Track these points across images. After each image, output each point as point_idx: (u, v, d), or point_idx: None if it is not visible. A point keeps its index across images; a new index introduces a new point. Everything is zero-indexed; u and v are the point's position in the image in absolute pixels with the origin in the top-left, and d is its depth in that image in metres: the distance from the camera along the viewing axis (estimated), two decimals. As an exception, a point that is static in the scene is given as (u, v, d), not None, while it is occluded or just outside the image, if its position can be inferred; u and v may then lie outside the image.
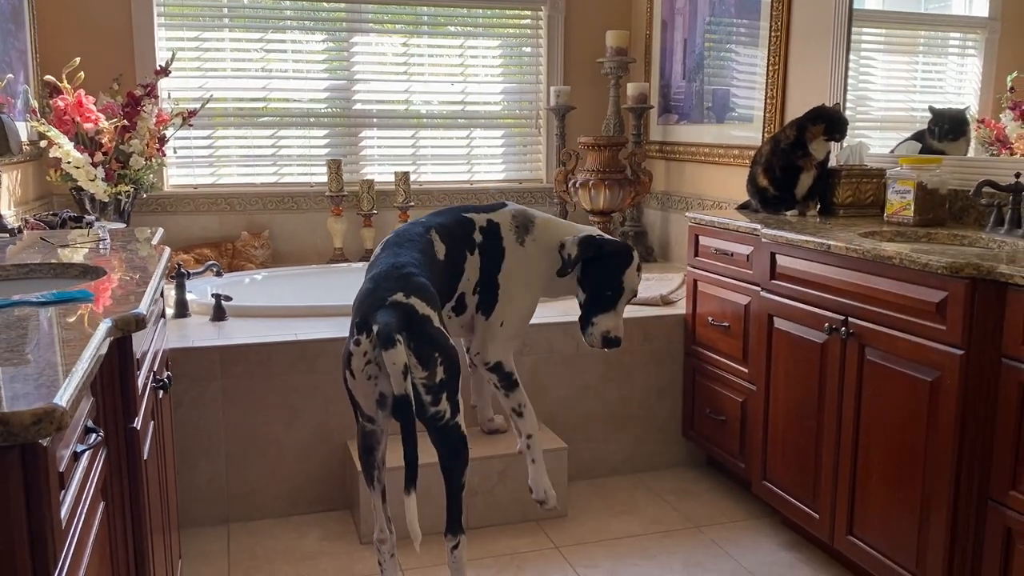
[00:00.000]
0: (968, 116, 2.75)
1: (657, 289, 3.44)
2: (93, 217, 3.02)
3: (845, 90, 3.07)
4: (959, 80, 2.95)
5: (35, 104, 3.41)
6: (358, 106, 4.25)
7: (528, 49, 4.48)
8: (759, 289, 2.69)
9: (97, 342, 1.19)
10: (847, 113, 3.00)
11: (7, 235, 2.39)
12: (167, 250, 2.19)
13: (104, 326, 1.28)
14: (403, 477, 1.98)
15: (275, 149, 4.17)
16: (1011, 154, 2.59)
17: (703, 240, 3.03)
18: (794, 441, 2.55)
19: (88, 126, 3.43)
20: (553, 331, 3.06)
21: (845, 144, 2.96)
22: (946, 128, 2.79)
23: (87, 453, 1.20)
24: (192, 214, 4.02)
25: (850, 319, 2.28)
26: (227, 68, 4.06)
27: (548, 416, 3.11)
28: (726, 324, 2.90)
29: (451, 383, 2.09)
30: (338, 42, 4.20)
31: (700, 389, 3.09)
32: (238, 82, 4.07)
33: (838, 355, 2.33)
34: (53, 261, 1.96)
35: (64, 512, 1.03)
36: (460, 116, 4.41)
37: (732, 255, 2.84)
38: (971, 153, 2.73)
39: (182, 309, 3.16)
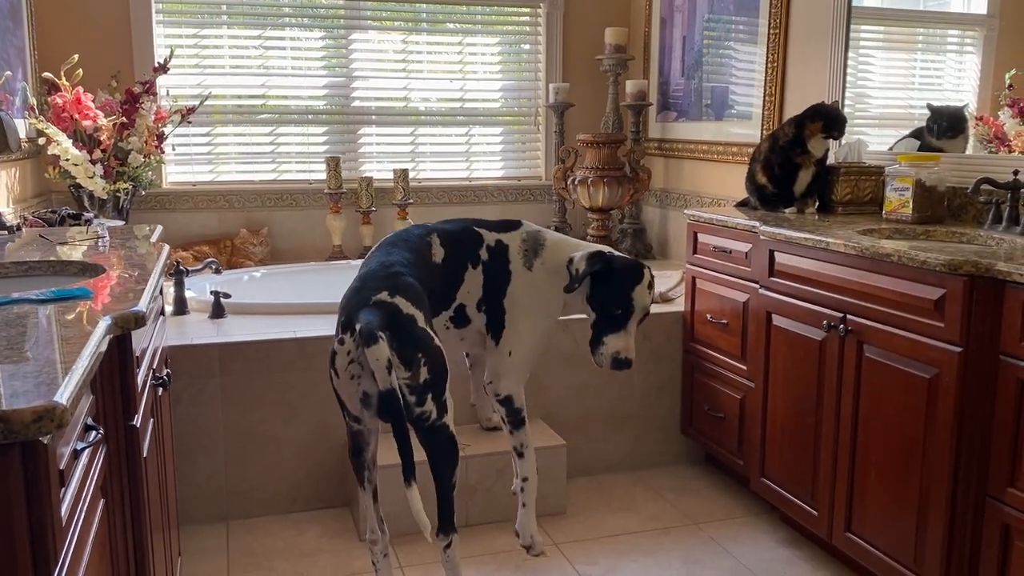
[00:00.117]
0: (966, 113, 2.75)
1: (656, 287, 3.44)
2: (92, 214, 3.01)
3: (844, 87, 3.07)
4: (958, 77, 2.95)
5: (33, 101, 3.40)
6: (357, 103, 4.24)
7: (527, 46, 4.48)
8: (758, 286, 2.69)
9: (97, 340, 1.19)
10: (846, 110, 3.00)
11: (6, 232, 2.39)
12: (166, 247, 2.19)
13: (104, 324, 1.28)
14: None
15: (274, 146, 4.17)
16: (1009, 151, 2.60)
17: (702, 237, 3.03)
18: (792, 438, 2.56)
19: (86, 123, 3.42)
20: (552, 329, 3.06)
21: (844, 142, 2.96)
22: (944, 125, 2.79)
23: (87, 451, 1.20)
24: (191, 211, 4.02)
25: (848, 316, 2.29)
26: (226, 65, 4.06)
27: (547, 413, 3.11)
28: (725, 321, 2.90)
29: (436, 384, 2.06)
30: (337, 39, 4.20)
31: (699, 386, 3.10)
32: (237, 79, 4.07)
33: (836, 352, 2.34)
34: (52, 258, 1.96)
35: (64, 509, 1.03)
36: (459, 113, 4.41)
37: (731, 252, 2.84)
38: (969, 151, 2.74)
39: (181, 306, 3.16)
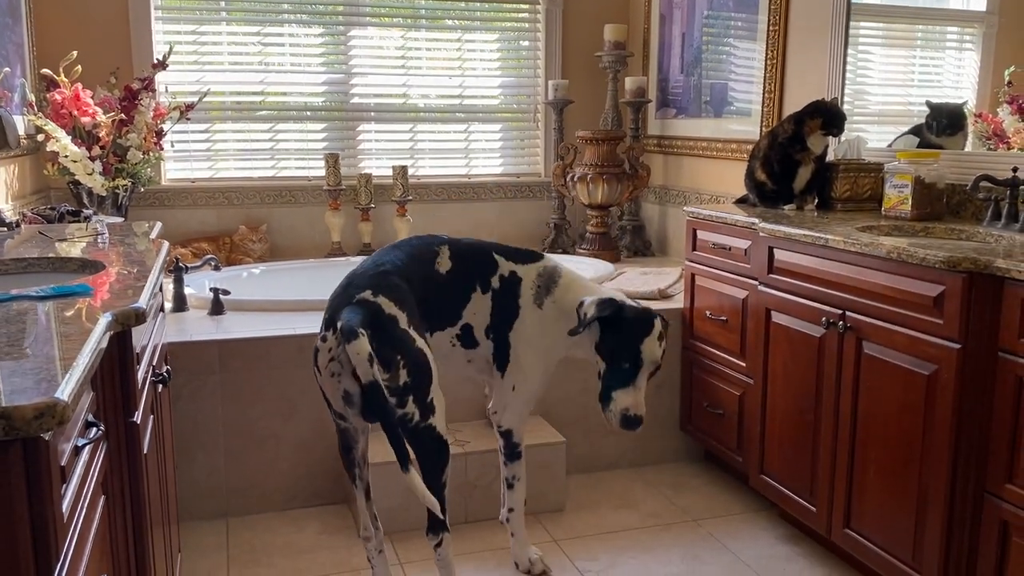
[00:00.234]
0: (966, 110, 2.75)
1: (655, 283, 3.44)
2: (91, 211, 3.01)
3: (843, 84, 3.07)
4: (957, 74, 2.95)
5: (32, 98, 3.40)
6: (356, 100, 4.24)
7: (526, 43, 4.48)
8: (757, 283, 2.70)
9: (97, 336, 1.19)
10: (845, 107, 3.00)
11: (5, 229, 2.39)
12: (166, 244, 2.19)
13: (104, 320, 1.28)
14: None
15: (273, 143, 4.17)
16: (1008, 148, 2.60)
17: (701, 234, 3.03)
18: (792, 435, 2.56)
19: (85, 120, 3.42)
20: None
21: (843, 138, 2.96)
22: (944, 122, 2.79)
23: (88, 447, 1.20)
24: (190, 208, 4.02)
25: (847, 313, 2.29)
26: (224, 62, 4.06)
27: (546, 410, 3.11)
28: (724, 318, 2.90)
29: (417, 387, 2.06)
30: (335, 36, 4.20)
31: (698, 383, 3.10)
32: (235, 76, 4.07)
33: (835, 349, 2.34)
34: (51, 255, 1.95)
35: (65, 506, 1.03)
36: (458, 110, 4.41)
37: (730, 249, 2.84)
38: (968, 147, 2.74)
39: (180, 303, 3.16)
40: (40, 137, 3.34)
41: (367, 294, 2.07)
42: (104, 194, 3.42)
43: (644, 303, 2.34)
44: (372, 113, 4.28)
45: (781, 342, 2.59)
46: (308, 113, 4.20)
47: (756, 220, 2.68)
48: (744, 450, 2.84)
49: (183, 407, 2.73)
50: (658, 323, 2.22)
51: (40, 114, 3.30)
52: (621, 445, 3.24)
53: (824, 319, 2.36)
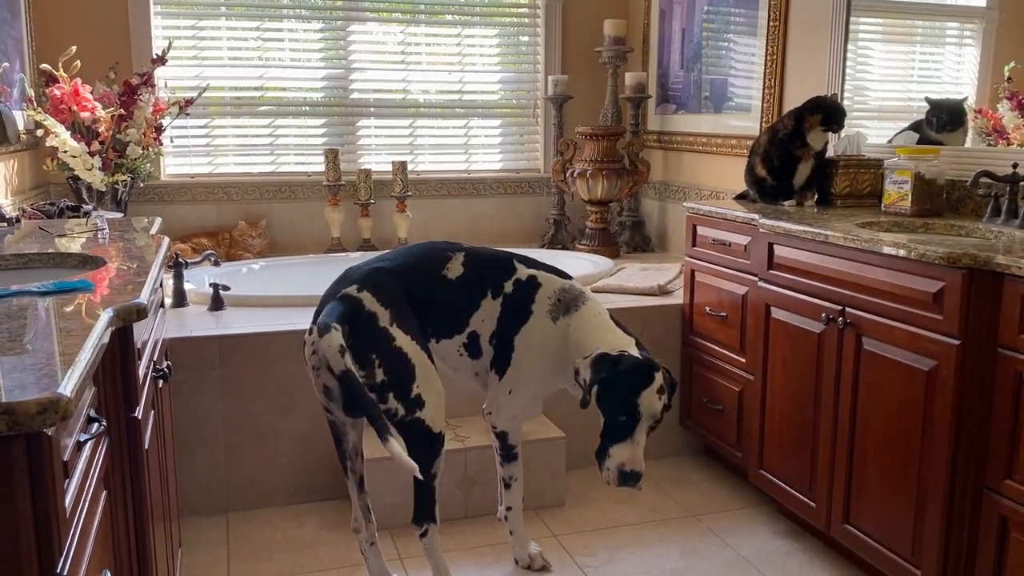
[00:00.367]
0: (965, 106, 2.75)
1: (655, 279, 3.44)
2: (91, 206, 3.01)
3: (843, 80, 3.07)
4: (957, 70, 2.95)
5: (31, 93, 3.39)
6: (355, 95, 4.24)
7: (526, 38, 4.47)
8: (756, 279, 2.70)
9: (99, 332, 1.19)
10: (845, 103, 3.00)
11: (5, 224, 2.39)
12: (166, 239, 2.19)
13: (106, 316, 1.28)
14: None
15: (272, 138, 4.16)
16: (1008, 144, 2.60)
17: (701, 230, 3.03)
18: (791, 430, 2.57)
19: (85, 115, 3.41)
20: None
21: (843, 134, 2.96)
22: (944, 118, 2.79)
23: (90, 442, 1.20)
24: (189, 203, 4.02)
25: (847, 309, 2.29)
26: (224, 57, 4.05)
27: (546, 406, 3.11)
28: (723, 314, 2.91)
29: (396, 385, 2.06)
30: (335, 31, 4.19)
31: (697, 379, 3.10)
32: (235, 71, 4.06)
33: (835, 345, 2.34)
34: (51, 251, 1.95)
35: (68, 501, 1.04)
36: (458, 105, 4.41)
37: (730, 245, 2.85)
38: (968, 143, 2.74)
39: (180, 299, 3.16)
40: (39, 132, 3.34)
41: (352, 289, 2.10)
42: (103, 189, 3.41)
43: (647, 357, 2.15)
44: (372, 108, 4.28)
45: (781, 338, 2.59)
46: (307, 108, 4.19)
47: (756, 216, 2.68)
48: (743, 446, 2.84)
49: (183, 403, 2.74)
50: (659, 376, 2.08)
51: (39, 109, 3.29)
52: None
53: (824, 315, 2.37)
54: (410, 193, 4.17)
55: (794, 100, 3.13)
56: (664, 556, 2.58)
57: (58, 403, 0.89)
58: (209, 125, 4.07)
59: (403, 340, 2.08)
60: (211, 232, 3.95)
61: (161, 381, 1.96)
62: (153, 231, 2.36)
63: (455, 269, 2.25)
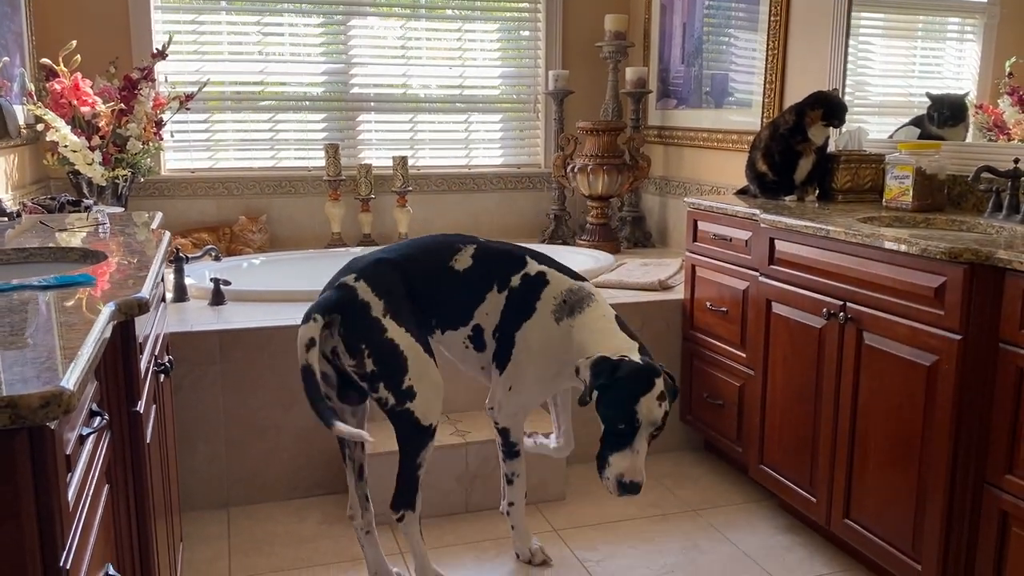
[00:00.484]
0: (967, 102, 2.75)
1: (655, 274, 3.44)
2: (91, 201, 3.01)
3: (844, 75, 3.07)
4: (958, 65, 2.94)
5: (31, 87, 3.39)
6: (356, 90, 4.23)
7: (526, 33, 4.46)
8: (757, 274, 2.70)
9: (101, 326, 1.19)
10: (846, 98, 3.00)
11: (6, 219, 2.39)
12: (167, 234, 2.19)
13: (108, 310, 1.28)
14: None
15: (272, 133, 4.16)
16: (1009, 140, 2.60)
17: (701, 225, 3.03)
18: (792, 425, 2.57)
19: (85, 110, 3.41)
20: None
21: (844, 129, 2.96)
22: (945, 114, 2.79)
23: (92, 436, 1.20)
24: (189, 198, 4.01)
25: (848, 304, 2.29)
26: (224, 52, 4.04)
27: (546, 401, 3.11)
28: (724, 309, 2.91)
29: (387, 376, 2.07)
30: (335, 25, 4.18)
31: (698, 374, 3.11)
32: (235, 66, 4.06)
33: (836, 340, 2.34)
34: (52, 245, 1.95)
35: (71, 494, 1.04)
36: (458, 100, 4.40)
37: (730, 240, 2.85)
38: (969, 139, 2.74)
39: (181, 293, 3.16)
40: (40, 127, 3.34)
41: (349, 278, 2.13)
42: (104, 184, 3.41)
43: (648, 362, 2.08)
44: (372, 103, 4.27)
45: (781, 333, 2.59)
46: (308, 103, 4.19)
47: (757, 211, 2.68)
48: (744, 441, 2.84)
49: (184, 397, 2.74)
50: (660, 381, 2.01)
51: (40, 104, 3.29)
52: (621, 436, 3.24)
53: (825, 310, 2.37)
54: (410, 188, 4.16)
55: (795, 95, 3.12)
56: (664, 551, 2.59)
57: (61, 396, 0.89)
58: (209, 120, 4.07)
59: (396, 331, 2.08)
60: (211, 227, 3.95)
61: (162, 375, 1.96)
62: (154, 226, 2.36)
63: (463, 261, 2.24)
